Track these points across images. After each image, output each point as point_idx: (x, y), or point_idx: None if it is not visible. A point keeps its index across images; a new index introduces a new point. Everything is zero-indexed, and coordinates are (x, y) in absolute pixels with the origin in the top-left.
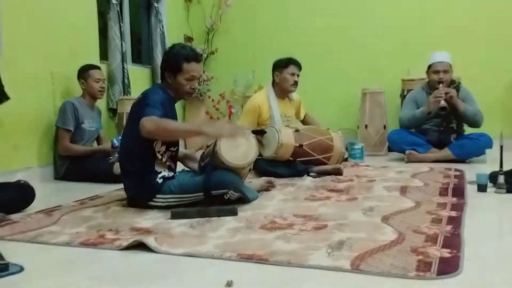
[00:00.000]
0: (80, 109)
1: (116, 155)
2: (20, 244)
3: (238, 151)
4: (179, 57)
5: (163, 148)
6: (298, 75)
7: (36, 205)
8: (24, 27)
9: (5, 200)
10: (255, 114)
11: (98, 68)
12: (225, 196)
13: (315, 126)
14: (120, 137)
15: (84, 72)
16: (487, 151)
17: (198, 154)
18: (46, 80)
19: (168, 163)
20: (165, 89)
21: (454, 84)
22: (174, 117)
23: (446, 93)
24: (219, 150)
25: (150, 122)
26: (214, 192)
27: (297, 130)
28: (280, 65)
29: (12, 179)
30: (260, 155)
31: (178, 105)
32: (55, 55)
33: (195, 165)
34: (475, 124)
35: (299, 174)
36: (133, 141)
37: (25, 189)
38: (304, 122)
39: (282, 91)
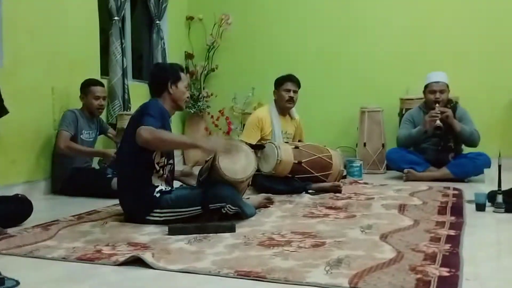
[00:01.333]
0: (80, 119)
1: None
2: (16, 259)
3: (237, 165)
4: (176, 68)
5: (163, 161)
6: (295, 91)
7: (33, 219)
8: (26, 42)
9: (2, 213)
10: (258, 127)
11: (101, 85)
12: (222, 210)
13: (316, 144)
14: None
15: (85, 87)
16: (486, 170)
17: (195, 170)
18: (47, 95)
19: (165, 176)
20: (162, 104)
21: (451, 104)
22: (169, 131)
23: (442, 113)
24: (218, 163)
25: (147, 131)
26: (211, 206)
27: (296, 147)
28: (277, 83)
29: (10, 193)
30: (258, 170)
31: (177, 121)
32: (56, 70)
33: (192, 181)
34: (471, 143)
35: (297, 191)
36: (131, 153)
37: (23, 203)
38: None
39: (281, 108)
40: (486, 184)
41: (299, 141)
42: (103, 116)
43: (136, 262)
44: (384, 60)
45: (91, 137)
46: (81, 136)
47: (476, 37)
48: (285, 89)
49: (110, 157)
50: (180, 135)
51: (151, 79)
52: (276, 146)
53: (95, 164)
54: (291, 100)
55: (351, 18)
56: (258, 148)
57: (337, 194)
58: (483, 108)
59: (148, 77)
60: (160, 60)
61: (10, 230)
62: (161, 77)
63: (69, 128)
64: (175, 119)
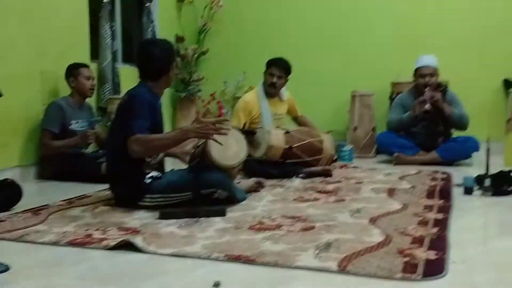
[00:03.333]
0: (67, 110)
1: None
2: (6, 243)
3: (228, 151)
4: (172, 45)
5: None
6: (279, 77)
7: (23, 204)
8: (15, 25)
9: None
10: (246, 111)
11: (87, 66)
12: (213, 195)
13: (307, 128)
14: (98, 118)
15: (73, 70)
16: (474, 154)
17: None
18: (36, 79)
19: (156, 164)
20: (151, 88)
21: (441, 87)
22: (160, 116)
23: (431, 97)
24: (210, 149)
25: (137, 144)
26: (203, 191)
27: (287, 132)
28: (266, 65)
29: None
30: (249, 155)
31: (168, 105)
32: (45, 54)
33: (187, 158)
34: (461, 127)
35: (288, 175)
36: (120, 143)
37: (12, 187)
38: (298, 123)
39: (266, 91)
40: (474, 167)
41: (297, 117)
42: (93, 100)
43: (127, 246)
44: (375, 43)
45: (83, 126)
46: (71, 127)
47: (467, 19)
48: (270, 73)
49: (88, 140)
50: (169, 133)
51: (152, 61)
52: (266, 132)
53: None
54: (273, 85)
55: (343, 1)
56: (249, 133)
57: (327, 178)
58: (473, 91)
59: (144, 59)
60: None
61: None
62: (165, 60)
63: (51, 126)
64: (165, 104)
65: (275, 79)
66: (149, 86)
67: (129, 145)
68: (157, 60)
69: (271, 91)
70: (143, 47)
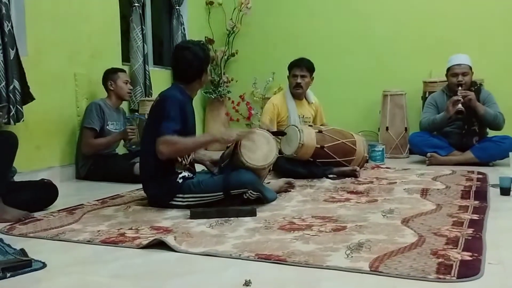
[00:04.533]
0: (106, 110)
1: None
2: (42, 242)
3: (258, 152)
4: (208, 52)
5: None
6: (303, 76)
7: (59, 203)
8: (49, 29)
9: (29, 198)
10: (274, 112)
11: (125, 71)
12: (244, 196)
13: (340, 128)
14: (138, 115)
15: (113, 74)
16: (511, 154)
17: (216, 155)
18: (70, 82)
19: (188, 165)
20: (184, 90)
21: (475, 86)
22: (192, 118)
23: (464, 96)
24: (239, 151)
25: (165, 146)
26: (233, 191)
27: (320, 131)
28: (288, 69)
29: (35, 178)
30: (280, 153)
31: (198, 106)
32: (78, 57)
33: (214, 169)
34: (496, 126)
35: (317, 175)
36: (153, 145)
37: (48, 187)
38: None
39: (292, 94)
40: (511, 168)
41: (322, 125)
42: (125, 102)
43: (159, 245)
44: (407, 42)
45: (117, 128)
46: (107, 127)
47: (501, 17)
48: (292, 75)
49: (129, 135)
50: (196, 137)
51: (185, 65)
52: (299, 130)
53: (118, 150)
54: (298, 86)
55: (372, 1)
56: (279, 134)
57: (359, 179)
58: (509, 90)
59: (178, 62)
60: None
61: (36, 214)
62: (198, 65)
63: (93, 123)
64: (195, 105)
65: (299, 80)
66: (181, 88)
67: (157, 146)
68: (190, 65)
69: (298, 91)
70: (178, 50)
